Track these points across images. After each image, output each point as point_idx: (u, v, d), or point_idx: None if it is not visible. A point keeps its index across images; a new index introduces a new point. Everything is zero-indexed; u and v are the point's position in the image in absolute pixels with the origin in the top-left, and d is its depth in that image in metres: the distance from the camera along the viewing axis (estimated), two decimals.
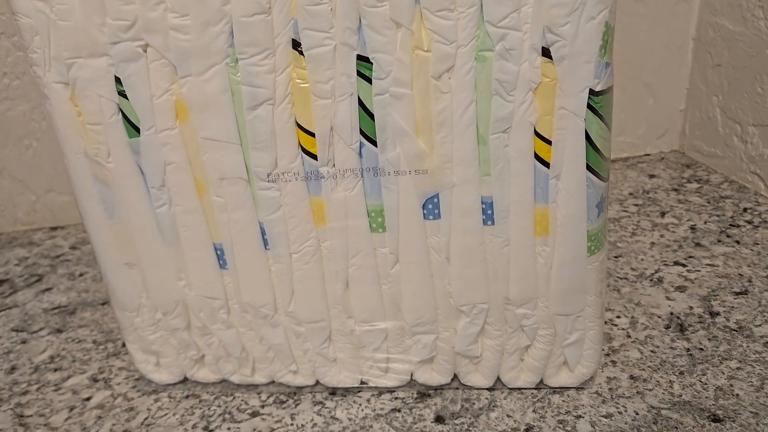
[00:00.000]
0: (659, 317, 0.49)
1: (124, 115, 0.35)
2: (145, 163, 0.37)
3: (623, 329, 0.48)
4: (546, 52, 0.33)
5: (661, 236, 0.61)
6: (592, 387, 0.43)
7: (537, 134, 0.35)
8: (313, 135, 0.35)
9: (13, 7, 0.34)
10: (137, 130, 0.36)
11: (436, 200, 0.36)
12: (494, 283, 0.39)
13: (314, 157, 0.36)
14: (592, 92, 0.33)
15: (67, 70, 0.34)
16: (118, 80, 0.35)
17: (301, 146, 0.36)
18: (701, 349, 0.46)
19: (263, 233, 0.38)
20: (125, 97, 0.35)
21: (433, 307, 0.40)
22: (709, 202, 0.67)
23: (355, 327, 0.41)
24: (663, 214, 0.65)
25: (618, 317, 0.50)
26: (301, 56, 0.33)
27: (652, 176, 0.75)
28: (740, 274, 0.54)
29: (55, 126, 0.36)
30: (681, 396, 0.41)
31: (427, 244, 0.38)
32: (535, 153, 0.35)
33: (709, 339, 0.47)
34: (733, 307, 0.50)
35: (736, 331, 0.47)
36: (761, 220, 0.63)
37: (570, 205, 0.36)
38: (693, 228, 0.62)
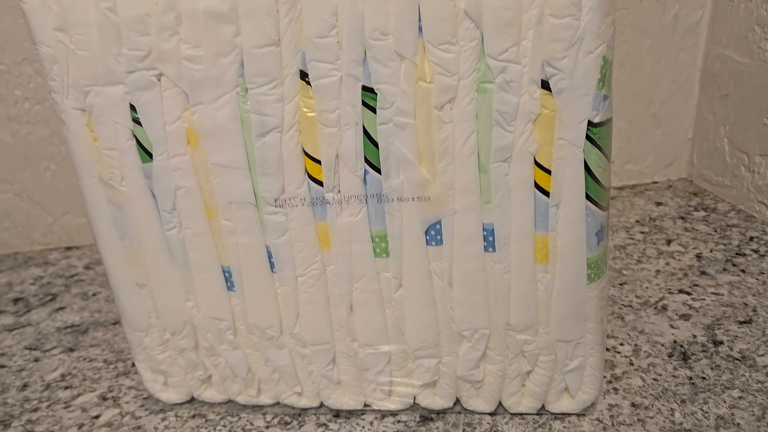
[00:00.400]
0: (662, 345, 0.50)
1: (137, 141, 0.37)
2: (156, 188, 0.38)
3: (626, 357, 0.49)
4: (545, 85, 0.34)
5: (667, 264, 0.62)
6: (593, 413, 0.43)
7: (537, 164, 0.35)
8: (319, 162, 0.36)
9: (35, 37, 0.35)
10: (150, 155, 0.37)
11: (438, 227, 0.37)
12: (495, 308, 0.39)
13: (320, 183, 0.37)
14: (590, 124, 0.34)
15: (85, 98, 0.36)
16: (132, 107, 0.36)
17: (308, 173, 0.37)
18: (704, 377, 0.46)
19: (270, 256, 0.39)
20: (139, 123, 0.36)
21: (436, 332, 0.40)
22: (715, 231, 0.67)
23: (359, 350, 0.42)
24: (669, 242, 0.66)
25: (621, 344, 0.50)
26: (309, 86, 0.35)
27: (659, 204, 0.75)
28: (745, 303, 0.54)
29: (72, 150, 0.38)
30: (682, 424, 0.41)
31: (429, 269, 0.39)
32: (535, 182, 0.36)
33: (712, 368, 0.47)
34: (736, 336, 0.50)
35: (739, 360, 0.47)
36: None
37: (570, 233, 0.37)
38: (699, 256, 0.63)
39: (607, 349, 0.49)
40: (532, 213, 0.36)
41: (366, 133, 0.35)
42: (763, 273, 0.59)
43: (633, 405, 0.43)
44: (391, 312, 0.40)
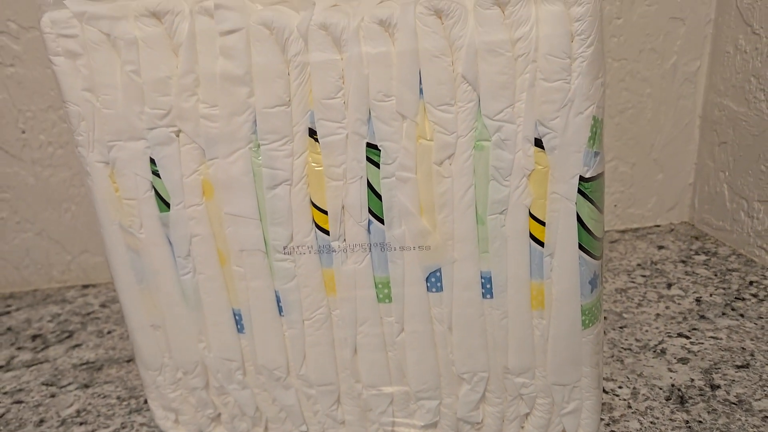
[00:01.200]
0: (660, 389, 0.51)
1: (156, 192, 0.39)
2: (173, 235, 0.40)
3: (624, 399, 0.50)
4: (538, 143, 0.36)
5: (667, 308, 0.63)
6: None
7: (531, 216, 0.37)
8: (326, 213, 0.39)
9: (64, 95, 0.38)
10: (167, 205, 0.39)
11: (438, 274, 0.39)
12: (494, 352, 0.41)
13: (327, 232, 0.39)
14: (582, 179, 0.36)
15: (108, 151, 0.39)
16: (152, 161, 0.39)
17: (315, 222, 0.39)
18: (700, 421, 0.47)
19: (278, 301, 0.41)
20: (158, 175, 0.39)
21: (436, 374, 0.42)
22: (716, 275, 0.69)
23: (362, 391, 0.43)
24: (669, 286, 0.67)
25: (620, 387, 0.51)
26: (317, 143, 0.37)
27: (660, 247, 0.77)
28: (743, 348, 0.56)
29: (95, 199, 0.40)
30: None
31: (430, 314, 0.40)
32: (530, 233, 0.38)
33: (709, 412, 0.48)
34: (734, 380, 0.51)
35: (736, 404, 0.49)
36: (767, 293, 0.64)
37: (564, 282, 0.38)
38: (698, 300, 0.64)
39: (606, 392, 0.50)
40: (528, 262, 0.38)
41: (370, 186, 0.38)
42: (761, 317, 0.60)
43: None
44: (394, 355, 0.42)
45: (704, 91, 0.76)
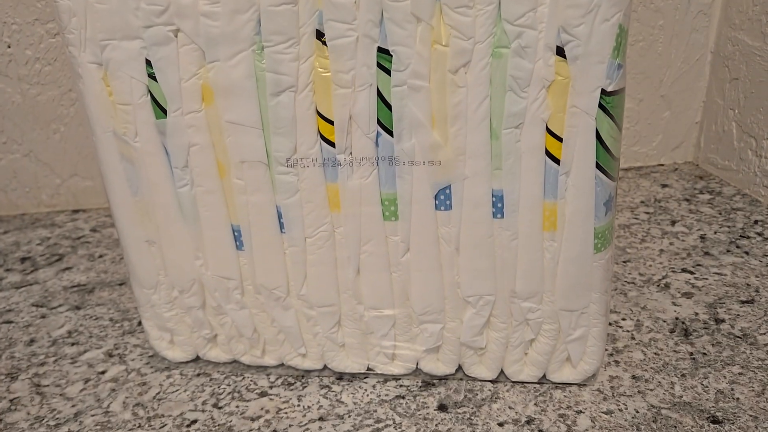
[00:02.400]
0: (664, 321, 0.50)
1: (152, 97, 0.37)
2: (170, 144, 0.38)
3: (628, 331, 0.49)
4: (560, 51, 0.34)
5: (671, 244, 0.62)
6: (594, 384, 0.43)
7: (548, 131, 0.36)
8: (332, 123, 0.36)
9: None
10: (164, 111, 0.37)
11: (448, 191, 0.38)
12: (501, 275, 0.40)
13: (332, 144, 0.37)
14: (603, 92, 0.34)
15: (101, 52, 0.36)
16: (148, 63, 0.36)
17: (320, 133, 0.37)
18: (704, 353, 0.46)
19: (280, 217, 0.39)
20: (155, 79, 0.36)
21: (441, 297, 0.41)
22: (720, 214, 0.68)
23: (364, 313, 0.42)
24: (673, 223, 0.66)
25: (623, 319, 0.50)
26: (324, 46, 0.35)
27: (664, 186, 0.75)
28: (747, 284, 0.55)
29: (87, 105, 0.38)
30: (681, 397, 0.42)
31: (437, 234, 0.39)
32: (546, 149, 0.36)
33: (713, 344, 0.47)
34: (738, 315, 0.51)
35: (741, 338, 0.48)
36: None
37: (578, 202, 0.37)
38: (703, 237, 0.63)
39: (609, 324, 0.50)
40: (542, 180, 0.37)
41: (380, 95, 0.36)
42: (766, 255, 0.59)
43: (633, 377, 0.44)
44: (398, 276, 0.41)
45: (718, 24, 0.74)
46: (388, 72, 0.35)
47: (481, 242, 0.39)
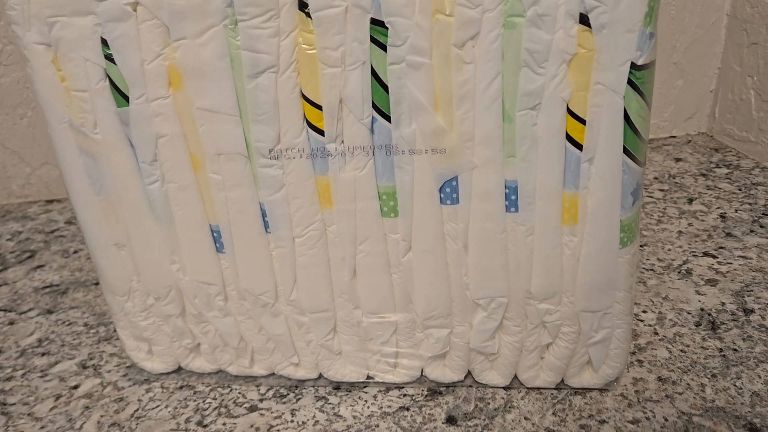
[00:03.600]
0: (689, 313, 0.46)
1: (111, 82, 0.32)
2: (135, 135, 0.33)
3: (650, 325, 0.45)
4: (584, 19, 0.29)
5: (689, 225, 0.58)
6: (617, 389, 0.39)
7: (570, 112, 0.31)
8: (320, 108, 0.32)
9: None
10: (126, 98, 0.32)
11: (454, 183, 0.33)
12: (515, 275, 0.35)
13: (321, 132, 0.32)
14: (633, 66, 0.30)
15: (49, 30, 0.31)
16: (105, 42, 0.31)
17: (307, 120, 0.32)
18: (735, 349, 0.42)
19: (264, 215, 0.35)
20: (113, 61, 0.31)
21: (448, 300, 0.36)
22: (740, 189, 0.63)
23: (362, 318, 0.38)
24: (691, 201, 0.62)
25: (644, 312, 0.46)
26: (309, 18, 0.30)
27: (678, 160, 0.71)
28: None
29: (37, 92, 0.33)
30: (714, 401, 0.38)
31: (443, 230, 0.34)
32: (566, 133, 0.31)
33: (744, 339, 0.43)
34: None
35: None
36: None
37: (603, 192, 0.32)
38: (723, 216, 0.59)
39: None
40: (562, 168, 0.32)
41: (374, 74, 0.31)
42: None
43: (660, 379, 0.40)
44: (399, 277, 0.36)
45: None
46: (383, 47, 0.30)
47: (493, 239, 0.34)
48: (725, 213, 0.59)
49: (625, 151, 0.32)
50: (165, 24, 0.30)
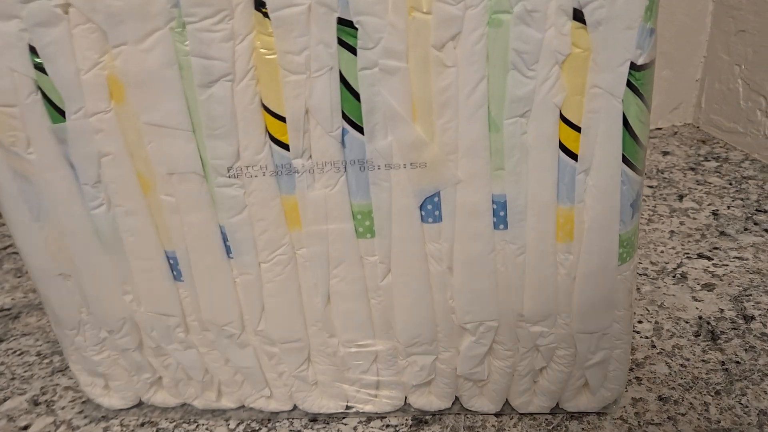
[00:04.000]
0: (686, 322, 0.43)
1: (44, 95, 0.28)
2: (74, 154, 0.29)
3: (647, 337, 0.42)
4: (578, 15, 0.26)
5: (681, 224, 0.55)
6: (615, 412, 0.36)
7: (563, 119, 0.28)
8: (283, 120, 0.28)
9: None
10: (62, 113, 0.28)
11: (436, 199, 0.30)
12: (506, 297, 0.32)
13: (285, 147, 0.29)
14: (633, 66, 0.26)
15: None
16: (34, 50, 0.27)
17: (269, 134, 0.29)
18: (738, 362, 0.40)
19: (225, 239, 0.31)
20: (44, 71, 0.27)
21: (432, 325, 0.33)
22: (730, 184, 0.61)
23: (338, 348, 0.34)
24: (681, 198, 0.59)
25: (640, 322, 0.43)
26: (267, 19, 0.26)
27: (665, 153, 0.68)
28: None
29: None
30: (720, 422, 0.35)
31: (424, 251, 0.31)
32: (560, 142, 0.28)
33: (746, 349, 0.40)
34: None
35: None
36: None
37: (601, 206, 0.29)
38: (715, 213, 0.56)
39: None
40: (555, 181, 0.29)
41: (344, 81, 0.27)
42: None
43: (660, 398, 0.37)
44: (378, 303, 0.33)
45: None
46: (353, 51, 0.27)
47: (480, 259, 0.31)
48: (717, 210, 0.57)
49: (624, 159, 0.29)
50: (102, 28, 0.26)
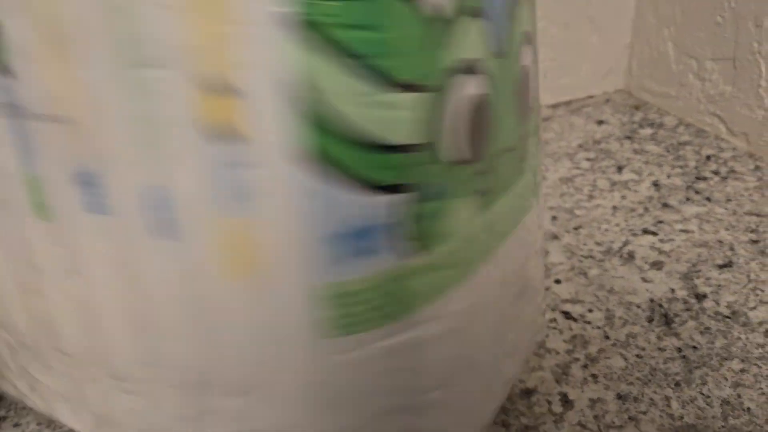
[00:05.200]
0: (638, 307, 0.41)
1: None
2: None
3: (599, 327, 0.39)
4: None
5: (623, 197, 0.53)
6: (573, 417, 0.34)
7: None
8: None
9: None
10: None
11: None
12: None
13: None
14: None
15: None
16: None
17: None
18: (695, 347, 0.37)
19: None
20: None
21: None
22: (668, 151, 0.59)
23: None
24: (620, 169, 0.57)
25: (590, 311, 0.41)
26: None
27: (600, 122, 0.66)
28: (719, 241, 0.46)
29: None
30: (683, 417, 0.33)
31: None
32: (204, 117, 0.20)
33: (701, 332, 0.38)
34: (719, 285, 0.42)
35: (730, 317, 0.39)
36: (728, 169, 0.55)
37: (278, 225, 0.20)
38: (656, 184, 0.54)
39: (575, 320, 0.40)
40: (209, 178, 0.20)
41: None
42: (730, 200, 0.51)
43: (619, 397, 0.35)
44: None
45: None
46: None
47: None
48: (658, 180, 0.55)
49: (326, 157, 0.19)
50: None
